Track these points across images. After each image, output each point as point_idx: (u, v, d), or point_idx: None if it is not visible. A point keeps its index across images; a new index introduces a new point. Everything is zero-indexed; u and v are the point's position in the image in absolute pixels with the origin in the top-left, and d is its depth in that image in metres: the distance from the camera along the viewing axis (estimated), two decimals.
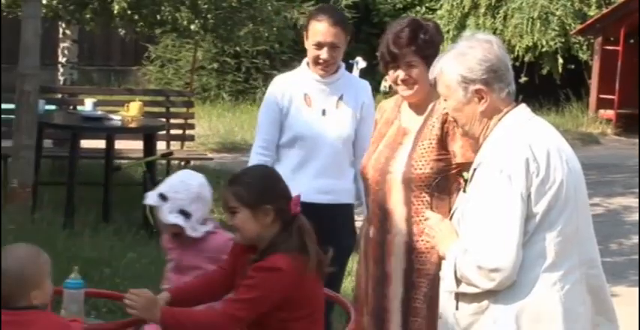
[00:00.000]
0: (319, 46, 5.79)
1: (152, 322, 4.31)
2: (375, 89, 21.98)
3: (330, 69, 5.88)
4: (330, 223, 5.53)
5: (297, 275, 4.14)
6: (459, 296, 3.99)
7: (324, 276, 4.40)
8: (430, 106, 4.95)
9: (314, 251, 4.24)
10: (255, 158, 5.99)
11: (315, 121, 5.87)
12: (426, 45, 4.93)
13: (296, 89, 5.95)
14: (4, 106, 11.46)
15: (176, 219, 4.95)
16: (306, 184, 5.70)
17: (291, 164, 5.90)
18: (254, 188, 4.36)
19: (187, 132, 12.92)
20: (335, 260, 4.83)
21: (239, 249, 4.55)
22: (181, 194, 4.99)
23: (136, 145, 11.78)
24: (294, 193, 5.41)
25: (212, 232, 5.09)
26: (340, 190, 5.86)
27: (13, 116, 10.59)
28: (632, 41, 22.60)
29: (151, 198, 5.26)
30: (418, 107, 5.03)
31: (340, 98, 5.89)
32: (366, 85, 6.11)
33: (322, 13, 5.90)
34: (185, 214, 4.96)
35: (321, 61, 5.83)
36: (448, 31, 22.40)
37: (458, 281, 3.96)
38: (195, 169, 12.32)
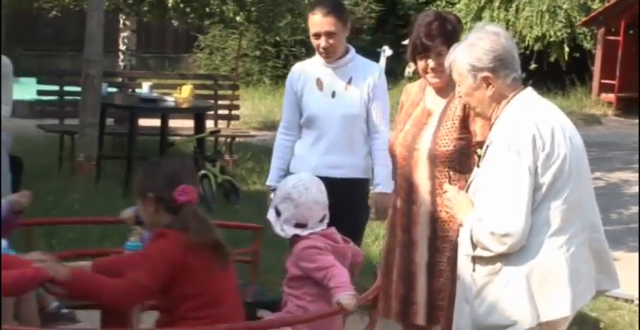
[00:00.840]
0: (317, 36, 5.78)
1: (61, 278, 3.99)
2: (401, 74, 22.14)
3: (331, 55, 5.81)
4: (344, 197, 5.47)
5: (182, 243, 4.00)
6: (476, 259, 4.00)
7: (228, 266, 4.20)
8: (455, 91, 4.93)
9: (197, 231, 4.04)
10: (278, 137, 6.06)
11: (325, 102, 5.83)
12: (451, 36, 4.97)
13: (309, 75, 5.93)
14: (71, 88, 11.56)
15: (270, 215, 4.65)
16: (317, 160, 5.75)
17: (306, 142, 5.89)
18: (139, 178, 4.31)
19: (233, 112, 12.90)
20: (350, 233, 4.83)
21: None
22: (278, 192, 4.69)
23: (188, 123, 11.87)
24: (307, 168, 5.38)
25: (302, 237, 4.56)
26: (350, 165, 5.77)
27: (79, 98, 10.69)
28: (631, 32, 22.60)
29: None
30: (441, 91, 5.08)
31: (349, 81, 5.82)
32: (375, 68, 5.99)
33: (316, 6, 5.88)
34: (277, 211, 4.61)
35: (321, 49, 5.80)
36: (466, 23, 22.05)
37: (474, 246, 3.97)
38: (240, 145, 12.39)
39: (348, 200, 5.46)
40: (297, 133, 5.97)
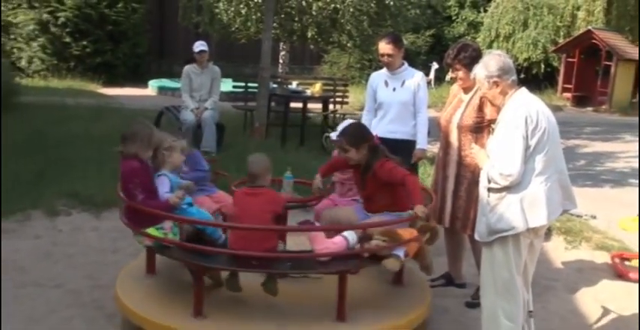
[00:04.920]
0: (382, 55, 5.79)
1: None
2: (443, 79, 21.88)
3: (390, 67, 5.82)
4: (401, 150, 5.47)
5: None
6: (490, 189, 3.92)
7: None
8: (474, 90, 4.88)
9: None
10: (364, 116, 6.04)
11: (389, 94, 5.84)
12: (465, 59, 4.90)
13: (380, 78, 5.93)
14: (252, 84, 11.66)
15: None
16: (383, 128, 5.76)
17: (378, 117, 5.92)
18: (351, 138, 4.55)
19: (344, 100, 12.82)
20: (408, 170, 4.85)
21: None
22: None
23: (318, 106, 11.89)
24: (379, 133, 5.33)
25: None
26: (402, 132, 5.77)
27: (256, 90, 10.77)
28: (582, 56, 22.30)
29: (333, 134, 5.18)
30: (466, 89, 5.01)
31: (403, 82, 5.81)
32: (418, 74, 5.92)
33: (383, 37, 5.86)
34: None
35: (384, 64, 5.85)
36: (483, 50, 22.14)
37: (489, 181, 3.89)
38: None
39: (402, 152, 5.47)
40: (374, 114, 5.97)
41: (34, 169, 7.56)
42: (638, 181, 9.62)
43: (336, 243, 4.11)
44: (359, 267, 4.27)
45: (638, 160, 11.26)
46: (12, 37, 17.97)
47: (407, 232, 4.15)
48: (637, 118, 19.59)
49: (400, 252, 4.11)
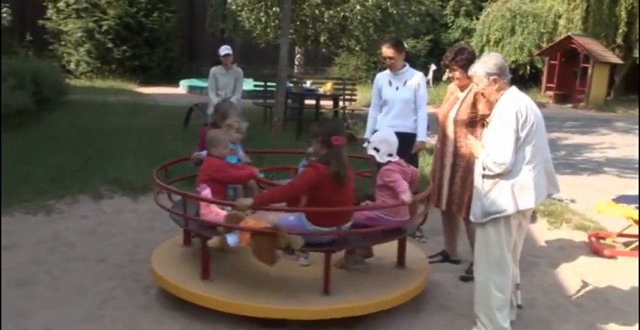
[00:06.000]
0: (384, 58, 5.66)
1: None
2: (440, 79, 21.75)
3: (392, 69, 5.67)
4: (403, 142, 5.35)
5: (322, 173, 3.86)
6: (484, 176, 3.86)
7: (346, 184, 4.03)
8: (469, 88, 4.80)
9: (334, 166, 3.94)
10: (370, 112, 5.91)
11: (392, 93, 5.69)
12: (461, 61, 4.79)
13: (384, 78, 5.79)
14: (270, 84, 11.60)
15: (371, 151, 4.37)
16: (388, 122, 5.62)
17: (383, 113, 5.77)
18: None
19: (353, 97, 12.77)
20: (408, 160, 4.76)
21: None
22: (376, 138, 4.43)
23: (329, 103, 11.80)
24: (384, 127, 5.19)
25: (384, 163, 4.34)
26: (404, 126, 5.59)
27: (274, 89, 10.70)
28: (563, 59, 22.09)
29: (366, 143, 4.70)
30: (462, 88, 4.92)
31: (405, 81, 5.67)
32: (419, 74, 5.76)
33: (386, 42, 5.71)
34: (377, 149, 4.35)
35: (386, 65, 5.71)
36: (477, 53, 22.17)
37: (484, 169, 3.83)
38: (355, 115, 12.26)
39: (405, 143, 5.38)
40: (379, 110, 5.83)
41: (81, 159, 7.62)
42: (638, 171, 9.47)
43: (217, 213, 4.09)
44: (208, 236, 4.02)
45: (638, 152, 11.03)
46: (62, 43, 18.16)
47: (253, 223, 3.82)
48: (610, 114, 19.51)
49: (231, 237, 3.85)
